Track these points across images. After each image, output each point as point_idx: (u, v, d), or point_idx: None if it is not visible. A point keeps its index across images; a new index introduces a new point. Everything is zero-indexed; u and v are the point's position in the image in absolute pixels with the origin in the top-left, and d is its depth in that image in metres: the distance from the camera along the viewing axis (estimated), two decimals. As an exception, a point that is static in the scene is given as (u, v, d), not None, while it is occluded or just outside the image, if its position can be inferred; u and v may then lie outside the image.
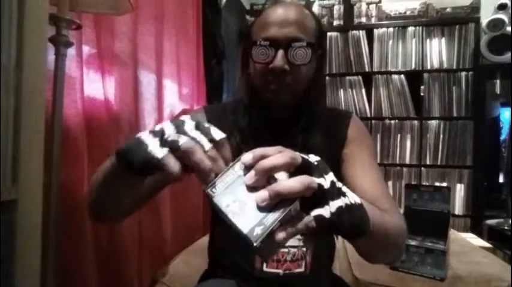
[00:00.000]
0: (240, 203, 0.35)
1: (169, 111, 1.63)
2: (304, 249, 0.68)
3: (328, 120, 0.75)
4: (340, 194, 0.39)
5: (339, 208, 0.37)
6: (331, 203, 0.37)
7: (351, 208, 0.39)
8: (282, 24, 0.65)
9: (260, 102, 0.70)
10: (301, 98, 0.70)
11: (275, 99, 0.67)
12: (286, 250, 0.67)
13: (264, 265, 0.67)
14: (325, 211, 0.37)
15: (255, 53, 0.65)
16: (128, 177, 0.46)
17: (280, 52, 0.63)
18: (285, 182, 0.35)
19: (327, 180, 0.38)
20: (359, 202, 0.41)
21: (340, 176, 0.71)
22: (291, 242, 0.67)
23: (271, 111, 0.71)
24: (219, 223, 0.77)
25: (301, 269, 0.68)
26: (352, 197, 0.40)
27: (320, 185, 0.37)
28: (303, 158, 0.38)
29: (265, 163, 0.36)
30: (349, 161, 0.71)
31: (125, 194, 0.54)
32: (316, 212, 0.37)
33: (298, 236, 0.68)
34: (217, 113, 0.77)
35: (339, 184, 0.39)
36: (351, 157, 0.72)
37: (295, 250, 0.68)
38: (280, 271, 0.67)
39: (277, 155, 0.36)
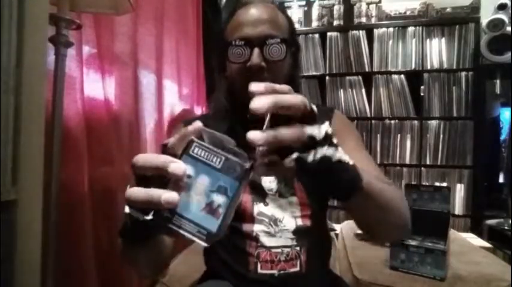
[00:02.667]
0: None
1: (169, 111, 1.63)
2: (298, 248, 0.67)
3: None
4: (332, 146, 0.37)
5: (325, 157, 0.36)
6: (318, 150, 0.36)
7: (339, 162, 0.38)
8: (255, 23, 0.66)
9: (239, 104, 0.69)
10: None
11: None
12: (279, 250, 0.66)
13: (259, 267, 0.66)
14: (309, 156, 0.35)
15: (231, 54, 0.66)
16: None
17: (256, 50, 0.64)
18: (283, 130, 0.34)
19: (322, 130, 0.36)
20: (351, 162, 0.40)
21: None
22: (283, 242, 0.67)
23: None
24: None
25: (297, 269, 0.67)
26: (344, 155, 0.39)
27: (311, 136, 0.35)
28: (311, 105, 0.37)
29: (283, 98, 0.34)
30: None
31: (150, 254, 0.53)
32: (297, 155, 0.35)
33: (291, 236, 0.67)
34: None
35: (335, 140, 0.38)
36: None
37: (288, 249, 0.67)
38: (275, 271, 0.66)
39: (293, 94, 0.34)
